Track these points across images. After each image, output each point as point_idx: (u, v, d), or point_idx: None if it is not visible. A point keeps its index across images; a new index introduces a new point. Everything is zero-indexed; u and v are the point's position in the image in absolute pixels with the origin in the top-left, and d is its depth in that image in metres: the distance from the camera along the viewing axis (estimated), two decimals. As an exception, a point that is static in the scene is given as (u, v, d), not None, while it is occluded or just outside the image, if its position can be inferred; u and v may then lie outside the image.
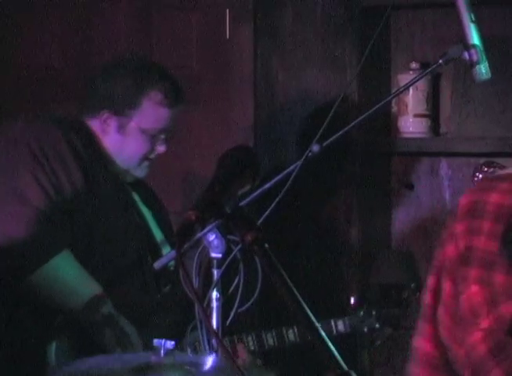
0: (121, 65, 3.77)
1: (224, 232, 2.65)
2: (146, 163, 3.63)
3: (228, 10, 4.33)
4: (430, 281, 2.12)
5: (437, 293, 2.13)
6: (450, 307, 2.08)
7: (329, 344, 1.77)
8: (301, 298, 1.81)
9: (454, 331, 2.10)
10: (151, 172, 3.86)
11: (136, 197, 3.84)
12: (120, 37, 4.44)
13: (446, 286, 2.10)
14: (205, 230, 2.56)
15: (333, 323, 3.63)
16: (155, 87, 3.63)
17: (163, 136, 3.61)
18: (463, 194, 2.08)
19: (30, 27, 4.75)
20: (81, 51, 4.69)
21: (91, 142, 3.66)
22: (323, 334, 1.76)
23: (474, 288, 2.01)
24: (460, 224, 2.04)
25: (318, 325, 1.79)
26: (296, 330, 3.54)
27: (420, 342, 2.13)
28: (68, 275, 3.58)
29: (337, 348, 1.73)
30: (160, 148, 3.64)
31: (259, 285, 2.84)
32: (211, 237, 2.60)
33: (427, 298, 2.13)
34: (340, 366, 1.71)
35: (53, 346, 3.56)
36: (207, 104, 4.37)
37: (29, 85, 4.79)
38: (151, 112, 3.65)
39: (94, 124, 3.66)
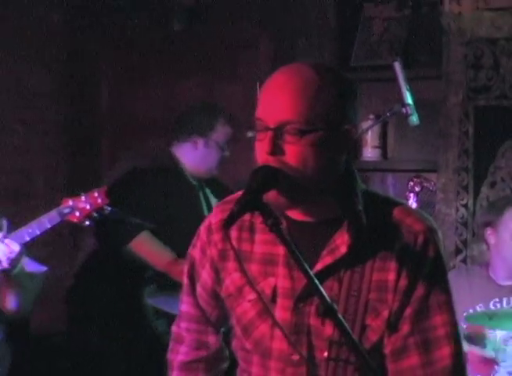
0: (199, 106, 4.39)
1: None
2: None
3: (258, 83, 5.14)
4: (186, 269, 2.37)
5: (193, 275, 2.34)
6: (207, 286, 2.30)
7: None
8: (307, 265, 1.92)
9: (210, 301, 2.33)
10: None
11: (208, 191, 4.36)
12: (194, 100, 4.84)
13: (204, 273, 2.30)
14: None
15: None
16: (221, 115, 4.27)
17: (227, 147, 4.27)
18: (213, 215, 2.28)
19: (140, 89, 5.40)
20: (168, 106, 5.23)
21: (173, 163, 4.26)
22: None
23: (234, 276, 2.20)
24: (216, 234, 2.23)
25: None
26: None
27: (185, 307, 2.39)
28: (151, 245, 4.09)
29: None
30: (227, 153, 4.27)
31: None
32: None
33: (184, 279, 2.38)
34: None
35: (145, 290, 4.21)
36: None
37: (139, 128, 5.40)
38: (222, 130, 4.27)
39: (185, 147, 4.27)
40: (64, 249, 3.96)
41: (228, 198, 2.21)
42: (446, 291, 2.08)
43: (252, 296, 2.13)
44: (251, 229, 2.16)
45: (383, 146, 4.82)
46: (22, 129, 5.32)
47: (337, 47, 4.90)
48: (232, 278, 2.19)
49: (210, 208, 4.27)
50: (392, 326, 2.06)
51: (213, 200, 4.37)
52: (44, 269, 3.43)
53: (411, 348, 2.06)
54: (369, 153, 4.76)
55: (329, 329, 2.04)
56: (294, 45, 4.96)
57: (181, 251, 3.84)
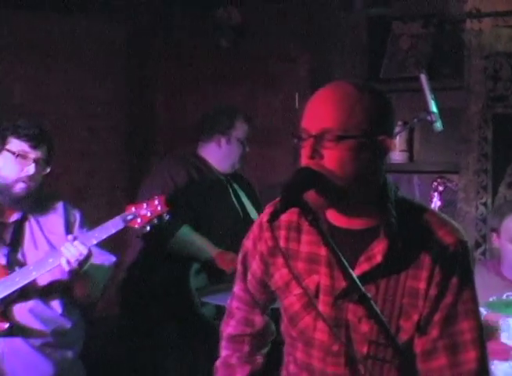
0: (218, 108, 4.34)
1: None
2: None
3: (296, 94, 4.95)
4: (240, 257, 2.39)
5: (245, 264, 2.36)
6: (256, 275, 2.33)
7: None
8: (342, 257, 1.90)
9: (258, 288, 2.36)
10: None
11: (235, 185, 4.32)
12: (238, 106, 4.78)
13: (255, 265, 2.31)
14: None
15: None
16: (239, 114, 4.23)
17: (246, 143, 4.23)
18: (264, 215, 2.27)
19: (191, 98, 5.41)
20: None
21: (201, 162, 4.22)
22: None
23: (282, 271, 2.21)
24: (267, 232, 2.24)
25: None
26: None
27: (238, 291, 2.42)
28: (193, 239, 4.05)
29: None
30: (247, 149, 4.22)
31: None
32: None
33: (238, 265, 2.40)
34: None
35: (192, 280, 4.17)
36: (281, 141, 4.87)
37: (177, 134, 5.43)
38: (241, 127, 4.22)
39: (209, 146, 4.23)
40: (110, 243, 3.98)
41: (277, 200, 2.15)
42: (473, 299, 2.07)
43: (298, 291, 2.15)
44: (298, 230, 2.17)
45: (409, 149, 4.82)
46: (87, 135, 5.35)
47: (368, 61, 4.89)
48: (280, 273, 2.21)
49: (239, 201, 4.34)
50: (422, 329, 2.06)
51: (241, 193, 4.39)
52: (112, 259, 3.42)
53: (440, 351, 2.06)
54: (397, 156, 4.75)
55: (365, 326, 2.06)
56: (330, 59, 4.98)
57: (216, 242, 4.12)
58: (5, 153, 3.16)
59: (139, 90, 5.63)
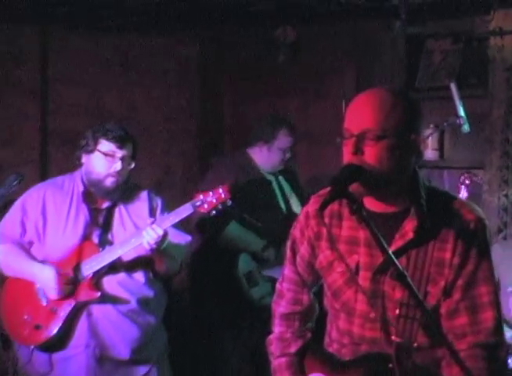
0: (266, 118, 4.30)
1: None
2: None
3: (344, 101, 4.82)
4: (289, 244, 2.38)
5: (294, 249, 2.35)
6: (304, 258, 2.32)
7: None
8: (386, 245, 1.91)
9: (306, 269, 2.33)
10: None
11: (281, 178, 4.26)
12: (293, 115, 4.90)
13: (303, 249, 2.30)
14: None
15: None
16: (284, 126, 4.18)
17: (288, 150, 4.19)
18: (309, 204, 2.28)
19: (253, 106, 5.37)
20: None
21: (250, 162, 4.21)
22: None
23: (326, 252, 2.22)
24: (313, 219, 2.25)
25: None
26: None
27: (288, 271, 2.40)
28: (241, 233, 4.05)
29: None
30: (288, 155, 4.20)
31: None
32: None
33: (287, 251, 2.39)
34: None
35: (240, 267, 4.12)
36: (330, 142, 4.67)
37: (241, 136, 5.21)
38: (283, 139, 4.17)
39: (254, 151, 4.23)
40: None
41: (321, 192, 2.25)
42: (490, 267, 2.09)
43: (340, 269, 2.18)
44: (339, 217, 2.18)
45: (440, 148, 4.77)
46: (166, 136, 5.42)
47: (405, 72, 4.81)
48: (324, 254, 2.23)
49: (283, 195, 4.31)
50: (447, 293, 2.08)
51: (286, 186, 4.35)
52: (188, 238, 3.39)
53: (462, 311, 2.08)
54: (430, 154, 4.72)
55: (398, 293, 2.07)
56: (372, 71, 4.95)
57: (261, 235, 4.14)
58: (96, 153, 3.16)
59: (209, 99, 5.65)
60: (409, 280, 1.88)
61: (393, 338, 2.09)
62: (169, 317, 3.48)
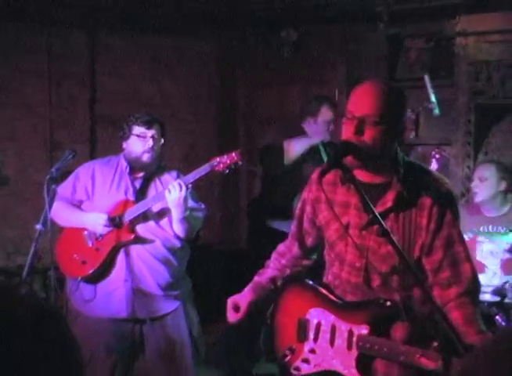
0: (313, 97, 4.20)
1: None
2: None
3: (336, 90, 4.92)
4: (300, 204, 2.34)
5: (302, 208, 2.33)
6: (309, 218, 2.31)
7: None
8: (376, 212, 1.91)
9: (310, 227, 2.31)
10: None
11: (328, 150, 4.11)
12: (297, 102, 4.94)
13: (308, 208, 2.30)
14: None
15: None
16: (326, 102, 4.14)
17: (331, 123, 4.11)
18: (314, 174, 2.25)
19: (262, 94, 5.40)
20: (280, 105, 5.23)
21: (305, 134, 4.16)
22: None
23: (324, 213, 2.22)
24: (315, 185, 2.25)
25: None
26: None
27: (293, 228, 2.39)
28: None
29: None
30: (332, 127, 4.11)
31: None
32: None
33: (297, 210, 2.35)
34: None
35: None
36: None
37: (262, 118, 5.40)
38: (325, 112, 4.12)
39: (305, 124, 4.17)
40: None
41: (324, 164, 2.20)
42: (459, 230, 2.11)
43: (335, 226, 2.18)
44: (335, 184, 2.18)
45: (416, 128, 4.77)
46: (191, 118, 5.43)
47: (387, 66, 4.83)
48: (323, 215, 2.24)
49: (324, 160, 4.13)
50: (425, 251, 2.07)
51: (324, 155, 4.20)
52: (202, 206, 3.28)
53: (445, 267, 2.06)
54: (407, 133, 4.69)
55: (383, 249, 2.07)
56: (359, 64, 4.95)
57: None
58: (132, 137, 3.15)
59: (226, 88, 5.62)
60: (391, 235, 1.89)
61: (371, 284, 2.10)
62: (193, 268, 3.42)
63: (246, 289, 2.39)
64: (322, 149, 4.15)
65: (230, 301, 2.35)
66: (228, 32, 5.40)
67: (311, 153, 4.09)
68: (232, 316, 2.35)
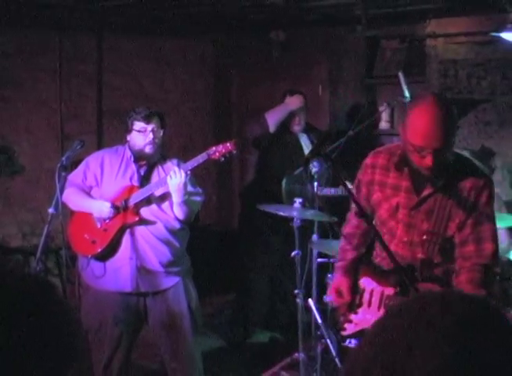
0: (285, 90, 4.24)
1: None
2: None
3: (320, 86, 4.97)
4: (355, 185, 2.37)
5: (358, 187, 2.35)
6: (365, 196, 2.33)
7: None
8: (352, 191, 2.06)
9: (366, 205, 2.31)
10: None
11: (311, 136, 4.17)
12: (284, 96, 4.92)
13: (363, 189, 2.33)
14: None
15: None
16: (290, 92, 4.16)
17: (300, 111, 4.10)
18: (368, 158, 2.28)
19: (253, 89, 5.31)
20: (269, 99, 4.79)
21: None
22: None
23: (377, 194, 2.27)
24: (369, 169, 2.28)
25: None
26: None
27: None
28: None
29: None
30: (303, 116, 4.11)
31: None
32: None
33: (354, 189, 2.36)
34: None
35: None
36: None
37: (252, 111, 5.01)
38: (293, 100, 4.12)
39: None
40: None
41: (380, 149, 2.29)
42: (493, 211, 2.17)
43: (386, 206, 2.24)
44: (388, 169, 2.22)
45: (391, 121, 4.74)
46: (189, 112, 5.45)
47: (365, 64, 4.80)
48: (376, 195, 2.28)
49: (308, 147, 4.12)
50: (459, 228, 2.14)
51: (306, 143, 4.19)
52: (200, 191, 3.21)
53: (470, 241, 2.14)
54: (384, 125, 4.74)
55: (425, 225, 2.16)
56: (340, 64, 4.93)
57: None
58: (133, 132, 3.09)
59: (221, 84, 5.63)
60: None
61: (418, 256, 2.18)
62: (192, 246, 3.38)
63: (337, 275, 2.45)
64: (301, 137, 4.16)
65: (332, 289, 2.41)
66: (223, 34, 5.43)
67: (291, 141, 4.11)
68: (338, 301, 2.41)
